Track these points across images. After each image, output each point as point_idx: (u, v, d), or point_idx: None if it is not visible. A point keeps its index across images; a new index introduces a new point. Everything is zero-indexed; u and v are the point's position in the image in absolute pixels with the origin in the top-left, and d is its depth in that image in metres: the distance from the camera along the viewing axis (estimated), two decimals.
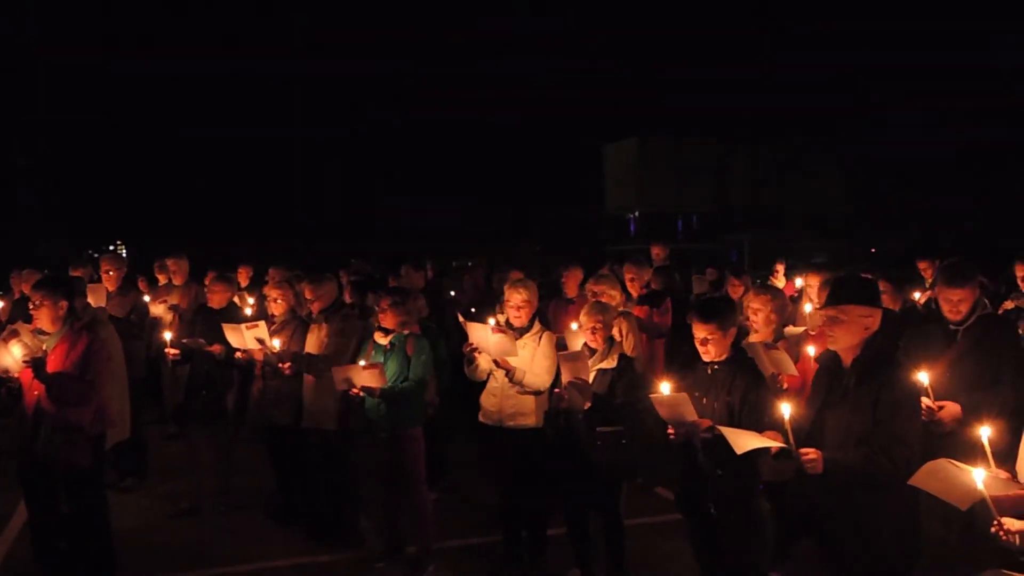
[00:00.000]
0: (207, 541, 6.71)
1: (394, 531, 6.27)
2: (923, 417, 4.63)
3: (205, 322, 7.29)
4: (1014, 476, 3.30)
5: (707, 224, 42.23)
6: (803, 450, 3.68)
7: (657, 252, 10.31)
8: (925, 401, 4.65)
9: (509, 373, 5.67)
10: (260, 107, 48.83)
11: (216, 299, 7.41)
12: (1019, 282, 6.81)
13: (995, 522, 2.78)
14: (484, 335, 5.69)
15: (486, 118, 48.44)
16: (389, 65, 54.63)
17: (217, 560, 6.30)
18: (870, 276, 6.56)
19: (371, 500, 6.65)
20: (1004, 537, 2.74)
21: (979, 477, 2.92)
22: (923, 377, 4.50)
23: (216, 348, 6.95)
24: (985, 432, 3.19)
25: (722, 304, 4.72)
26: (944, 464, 3.12)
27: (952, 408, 4.80)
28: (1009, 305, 6.79)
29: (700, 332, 4.43)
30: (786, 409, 3.71)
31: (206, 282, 8.07)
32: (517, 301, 5.85)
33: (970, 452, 3.46)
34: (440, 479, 7.60)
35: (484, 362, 5.82)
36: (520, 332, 5.81)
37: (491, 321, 5.82)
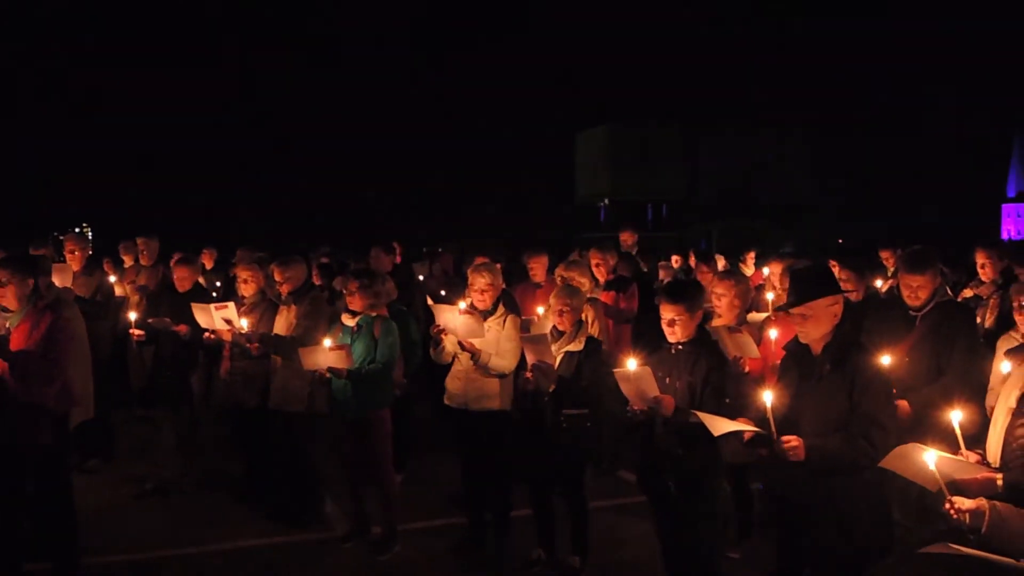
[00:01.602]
0: (172, 522, 6.68)
1: (360, 512, 6.30)
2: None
3: (171, 303, 7.24)
4: (984, 458, 3.39)
5: (676, 212, 42.52)
6: (785, 437, 3.70)
7: (626, 238, 10.38)
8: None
9: (474, 356, 5.72)
10: (231, 91, 48.33)
11: (181, 281, 7.36)
12: (978, 269, 6.93)
13: (947, 501, 2.85)
14: (451, 317, 5.74)
15: (457, 107, 48.37)
16: (365, 51, 54.22)
17: (182, 541, 6.28)
18: (832, 262, 6.69)
19: (337, 482, 6.66)
20: (955, 515, 2.81)
21: (931, 459, 2.99)
22: (884, 360, 4.61)
23: (182, 328, 6.91)
24: (956, 416, 3.26)
25: (691, 287, 4.83)
26: (913, 448, 3.18)
27: (902, 406, 4.95)
28: (968, 293, 6.90)
29: (668, 313, 4.50)
30: (768, 397, 3.74)
31: (171, 264, 8.01)
32: (481, 284, 5.88)
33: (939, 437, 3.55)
34: (407, 461, 7.64)
35: (450, 344, 5.86)
36: (484, 315, 5.85)
37: (461, 304, 5.85)
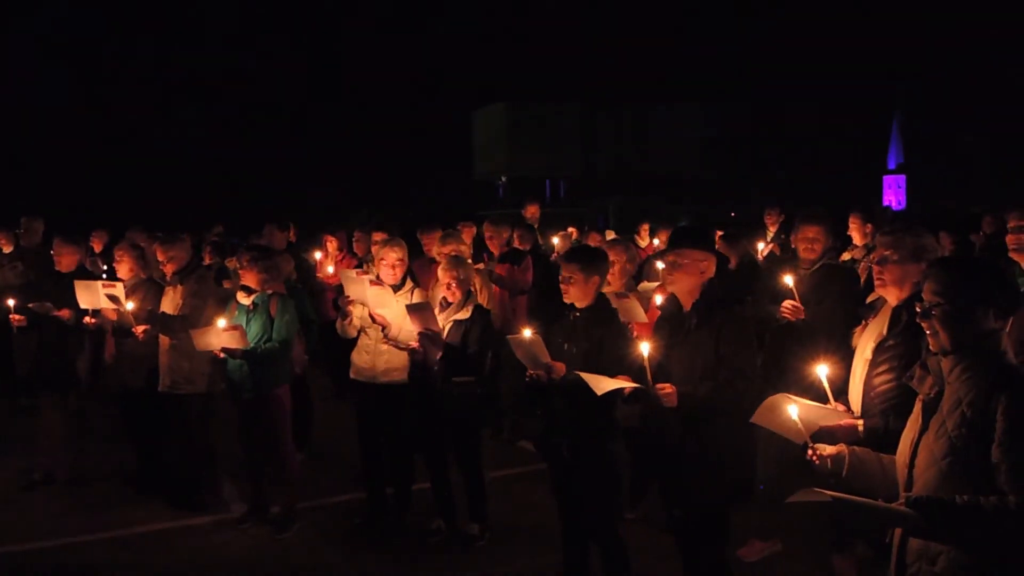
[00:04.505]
0: (62, 512, 6.51)
1: (257, 492, 6.24)
2: (788, 316, 4.99)
3: (54, 286, 6.99)
4: (848, 408, 3.60)
5: (574, 188, 42.94)
6: (659, 385, 3.93)
7: (532, 211, 10.52)
8: (790, 302, 5.03)
9: (385, 329, 5.72)
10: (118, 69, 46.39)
11: (64, 262, 7.09)
12: (852, 233, 7.25)
13: (810, 448, 3.02)
14: (361, 288, 5.72)
15: (355, 85, 47.65)
16: (267, 35, 52.68)
17: (73, 530, 6.13)
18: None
19: (235, 462, 6.58)
20: (817, 461, 2.99)
21: (794, 411, 3.17)
22: (788, 280, 4.86)
23: (65, 313, 6.68)
24: (823, 370, 3.45)
25: (589, 251, 4.96)
26: (779, 399, 3.31)
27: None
28: (846, 256, 7.22)
29: (564, 272, 4.63)
30: (645, 348, 3.96)
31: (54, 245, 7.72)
32: (392, 259, 5.89)
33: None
34: (309, 439, 7.60)
35: (358, 318, 5.84)
36: (394, 289, 5.86)
37: (370, 278, 5.85)
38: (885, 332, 3.60)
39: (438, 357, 5.42)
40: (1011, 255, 4.38)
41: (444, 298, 5.66)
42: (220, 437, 6.71)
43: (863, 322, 3.82)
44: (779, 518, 5.34)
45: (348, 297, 5.81)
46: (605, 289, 5.68)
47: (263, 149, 46.94)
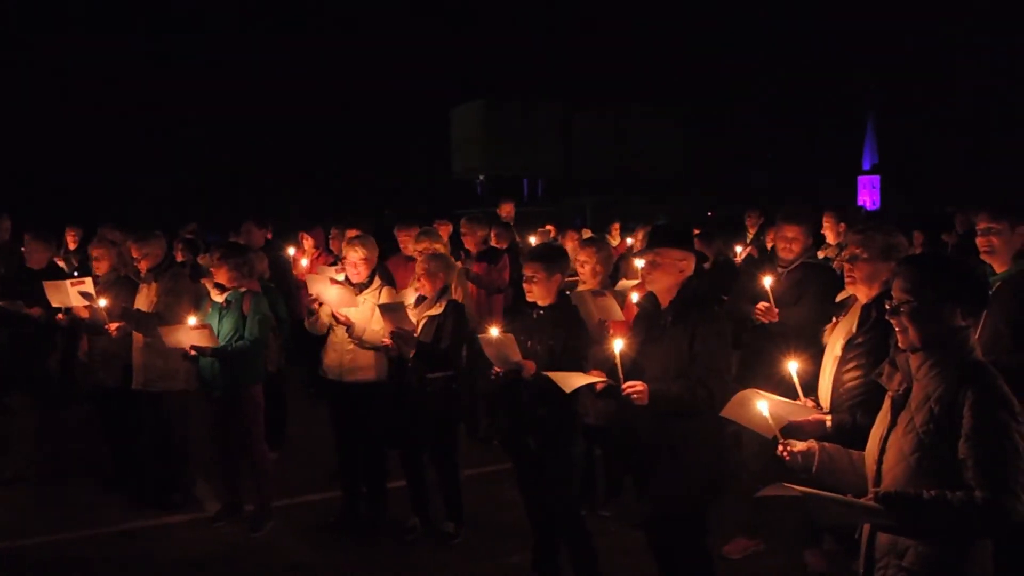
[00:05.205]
0: (34, 510, 6.44)
1: (232, 490, 6.21)
2: (761, 318, 5.02)
3: (24, 284, 6.92)
4: (817, 404, 3.63)
5: (552, 187, 43.03)
6: (629, 383, 3.91)
7: (508, 210, 10.52)
8: (764, 304, 5.06)
9: (348, 328, 5.70)
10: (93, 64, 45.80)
11: (35, 259, 7.03)
12: (825, 232, 7.31)
13: (780, 444, 3.04)
14: (324, 287, 5.71)
15: (334, 82, 47.41)
16: (244, 30, 52.24)
17: (45, 529, 6.06)
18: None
19: (209, 460, 6.54)
20: (787, 457, 3.01)
21: (764, 406, 3.19)
22: (767, 281, 4.88)
23: (36, 311, 6.62)
24: (793, 366, 3.48)
25: (551, 249, 4.98)
26: (749, 395, 3.34)
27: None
28: (820, 255, 7.27)
29: (526, 271, 4.67)
30: (617, 344, 3.96)
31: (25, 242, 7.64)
32: (355, 258, 5.87)
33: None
34: (283, 437, 7.57)
35: (325, 315, 5.83)
36: (360, 288, 5.84)
37: (333, 276, 5.84)
38: (855, 329, 3.63)
39: (411, 355, 5.42)
40: (983, 257, 4.42)
41: (419, 295, 5.66)
42: (194, 435, 6.66)
43: (833, 320, 3.85)
44: (759, 514, 5.42)
45: (312, 295, 5.78)
46: (581, 287, 5.73)
47: (241, 146, 46.65)
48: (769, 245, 7.16)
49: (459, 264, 7.63)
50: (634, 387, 3.90)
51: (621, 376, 3.92)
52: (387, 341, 5.48)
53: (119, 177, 41.25)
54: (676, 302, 4.11)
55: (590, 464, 5.84)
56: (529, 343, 4.59)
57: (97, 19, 48.01)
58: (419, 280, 5.64)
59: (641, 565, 4.67)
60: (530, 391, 4.50)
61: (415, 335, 5.46)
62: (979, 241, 4.42)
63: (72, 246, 10.88)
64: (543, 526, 4.83)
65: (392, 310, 5.44)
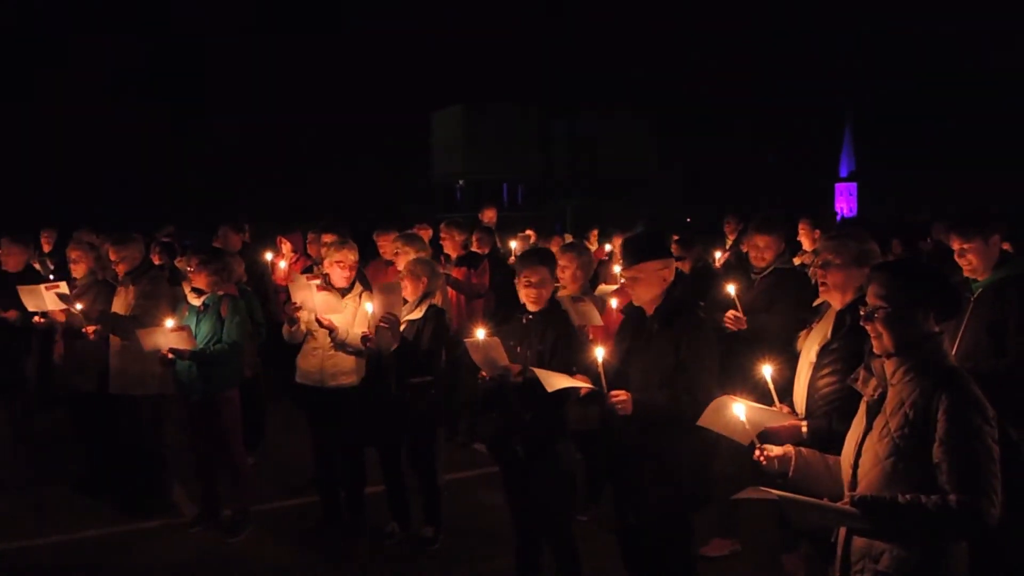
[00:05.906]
0: (10, 515, 6.38)
1: (209, 495, 6.17)
2: (730, 327, 5.06)
3: (0, 287, 6.85)
4: (792, 410, 3.65)
5: (533, 192, 43.08)
6: (614, 392, 3.91)
7: (490, 216, 10.53)
8: (732, 313, 5.08)
9: (332, 333, 5.69)
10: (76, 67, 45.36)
11: (11, 261, 6.97)
12: (801, 239, 7.37)
13: (757, 449, 3.07)
14: (308, 294, 5.68)
15: (313, 85, 47.20)
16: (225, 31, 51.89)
17: (20, 533, 6.01)
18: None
19: (186, 464, 6.49)
20: (764, 462, 3.03)
21: (740, 411, 3.21)
22: (731, 289, 4.91)
23: (11, 314, 6.55)
24: (767, 371, 3.50)
25: (550, 254, 5.03)
26: (725, 401, 3.34)
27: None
28: (796, 261, 7.34)
29: (528, 275, 4.61)
30: (599, 352, 3.95)
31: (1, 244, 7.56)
32: (345, 262, 5.86)
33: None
34: (260, 442, 7.53)
35: (304, 321, 5.80)
36: (342, 292, 5.83)
37: (316, 281, 5.82)
38: (829, 335, 3.66)
39: (392, 349, 5.40)
40: (966, 275, 4.47)
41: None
42: (171, 439, 6.62)
43: (808, 326, 3.89)
44: (737, 517, 5.45)
45: (295, 303, 5.75)
46: (561, 292, 5.74)
47: (217, 147, 46.34)
48: (744, 250, 7.23)
49: (440, 269, 7.62)
50: (618, 396, 3.90)
51: (604, 384, 3.92)
52: (369, 338, 5.45)
53: (91, 178, 40.82)
54: (662, 309, 4.12)
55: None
56: (519, 348, 4.56)
57: (65, 18, 47.55)
58: (402, 280, 5.63)
59: (621, 570, 4.68)
60: (518, 395, 4.48)
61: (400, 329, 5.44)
62: (959, 261, 4.47)
63: (47, 248, 10.79)
64: (529, 531, 4.80)
65: (388, 291, 5.43)
